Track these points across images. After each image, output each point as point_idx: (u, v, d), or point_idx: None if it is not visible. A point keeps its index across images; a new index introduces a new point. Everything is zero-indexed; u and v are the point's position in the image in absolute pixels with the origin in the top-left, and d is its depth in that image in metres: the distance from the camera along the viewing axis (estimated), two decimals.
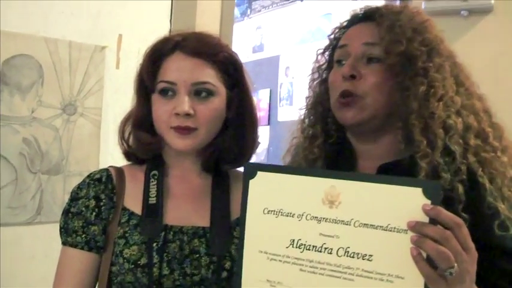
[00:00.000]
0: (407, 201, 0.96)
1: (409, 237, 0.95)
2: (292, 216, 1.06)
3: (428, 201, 0.94)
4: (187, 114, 1.25)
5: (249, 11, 5.18)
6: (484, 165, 1.15)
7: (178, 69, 1.27)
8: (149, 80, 1.30)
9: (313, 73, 1.41)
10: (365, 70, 1.22)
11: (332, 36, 1.37)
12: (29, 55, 2.06)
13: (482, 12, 2.77)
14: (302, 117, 1.41)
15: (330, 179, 1.03)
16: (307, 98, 1.42)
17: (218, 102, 1.29)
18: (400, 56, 1.19)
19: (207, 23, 2.33)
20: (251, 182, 1.10)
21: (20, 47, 2.04)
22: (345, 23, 1.35)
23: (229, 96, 1.32)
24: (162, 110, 1.28)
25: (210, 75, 1.28)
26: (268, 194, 1.09)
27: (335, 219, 1.02)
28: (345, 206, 1.01)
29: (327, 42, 1.40)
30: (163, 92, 1.28)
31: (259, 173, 1.10)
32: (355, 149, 1.30)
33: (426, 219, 0.94)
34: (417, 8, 1.30)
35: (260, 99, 4.75)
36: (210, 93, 1.28)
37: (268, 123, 4.69)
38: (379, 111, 1.22)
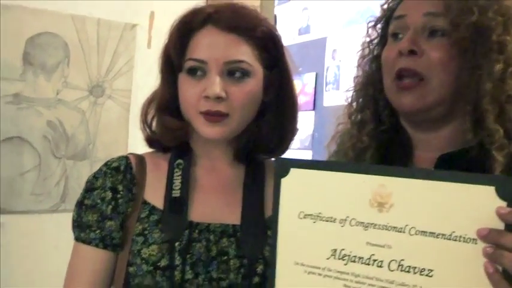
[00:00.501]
0: (477, 203, 0.81)
1: (479, 248, 0.81)
2: (334, 222, 0.92)
3: (504, 203, 0.79)
4: (219, 98, 1.13)
5: None
6: None
7: (210, 45, 1.15)
8: (176, 57, 1.19)
9: (363, 49, 1.25)
10: (427, 45, 1.05)
11: (386, 6, 1.21)
12: (54, 33, 2.00)
13: None
14: (349, 100, 1.25)
15: (378, 176, 0.90)
16: (355, 77, 1.26)
17: (254, 83, 1.17)
18: (470, 28, 1.02)
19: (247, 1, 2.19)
20: (283, 180, 0.97)
21: (45, 24, 1.98)
22: None
23: (267, 77, 1.20)
24: (190, 92, 1.16)
25: (245, 53, 1.16)
26: (304, 195, 0.96)
27: (386, 225, 0.88)
28: (398, 209, 0.87)
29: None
30: (192, 72, 1.16)
31: (292, 170, 0.97)
32: (411, 138, 1.14)
33: (501, 226, 0.80)
34: None
35: (305, 83, 4.69)
36: (246, 74, 1.16)
37: (314, 109, 4.58)
38: (444, 96, 1.05)
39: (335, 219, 0.92)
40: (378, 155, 1.14)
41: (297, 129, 1.28)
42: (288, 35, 4.90)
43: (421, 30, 1.06)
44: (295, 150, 4.39)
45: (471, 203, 0.82)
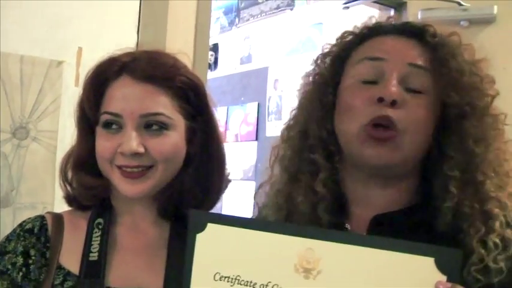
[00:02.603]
0: (414, 276, 0.75)
1: None
2: (253, 287, 0.85)
3: (444, 277, 0.73)
4: (137, 154, 1.07)
5: (237, 20, 5.09)
6: None
7: (125, 97, 1.10)
8: (91, 110, 1.13)
9: (305, 90, 1.15)
10: (407, 98, 0.99)
11: (339, 41, 1.12)
12: None
13: (483, 22, 2.68)
14: (287, 147, 1.15)
15: (306, 239, 0.82)
16: (291, 119, 1.18)
17: (175, 136, 1.12)
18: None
19: (179, 34, 2.13)
20: (198, 236, 0.90)
21: None
22: (365, 31, 1.10)
23: (190, 128, 1.14)
24: (104, 146, 1.10)
25: (163, 105, 1.10)
26: (221, 254, 0.89)
27: None
28: (326, 277, 0.80)
29: (318, 52, 1.15)
30: (107, 126, 1.11)
31: (209, 225, 0.90)
32: (345, 192, 1.06)
33: None
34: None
35: (248, 113, 4.64)
36: (164, 127, 1.10)
37: (256, 139, 4.59)
38: (412, 154, 0.99)
39: (255, 284, 0.85)
40: (331, 208, 1.04)
41: (228, 181, 1.22)
42: (230, 64, 4.88)
43: (401, 80, 0.99)
44: (239, 181, 4.34)
45: (408, 275, 0.75)
